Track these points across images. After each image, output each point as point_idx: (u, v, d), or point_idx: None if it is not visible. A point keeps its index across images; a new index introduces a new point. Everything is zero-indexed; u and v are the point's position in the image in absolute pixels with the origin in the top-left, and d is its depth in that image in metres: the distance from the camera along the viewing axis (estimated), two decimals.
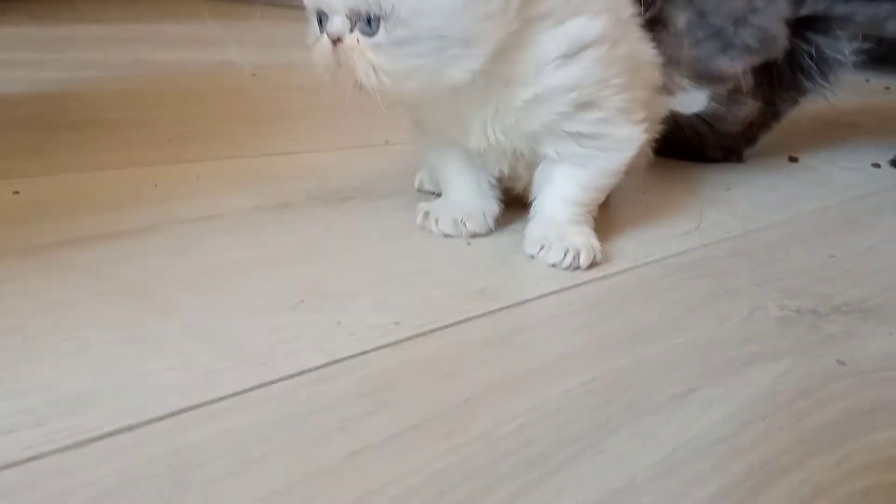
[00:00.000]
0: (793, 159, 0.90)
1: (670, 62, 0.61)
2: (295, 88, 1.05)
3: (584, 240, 0.50)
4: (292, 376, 0.34)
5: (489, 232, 0.54)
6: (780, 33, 0.72)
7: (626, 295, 0.47)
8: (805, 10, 0.75)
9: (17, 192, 0.53)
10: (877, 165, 0.92)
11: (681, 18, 0.64)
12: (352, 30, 0.44)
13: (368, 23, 0.43)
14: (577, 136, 0.49)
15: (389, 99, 0.46)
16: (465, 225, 0.53)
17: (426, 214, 0.54)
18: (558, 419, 0.32)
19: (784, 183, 0.79)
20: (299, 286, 0.43)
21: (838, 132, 1.07)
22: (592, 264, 0.49)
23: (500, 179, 0.55)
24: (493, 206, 0.54)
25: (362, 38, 0.43)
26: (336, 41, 0.44)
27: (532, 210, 0.53)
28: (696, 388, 0.36)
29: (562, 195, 0.51)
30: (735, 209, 0.68)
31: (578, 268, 0.49)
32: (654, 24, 0.62)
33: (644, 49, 0.55)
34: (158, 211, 0.53)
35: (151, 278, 0.42)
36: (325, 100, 0.46)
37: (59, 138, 0.68)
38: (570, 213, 0.51)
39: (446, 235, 0.53)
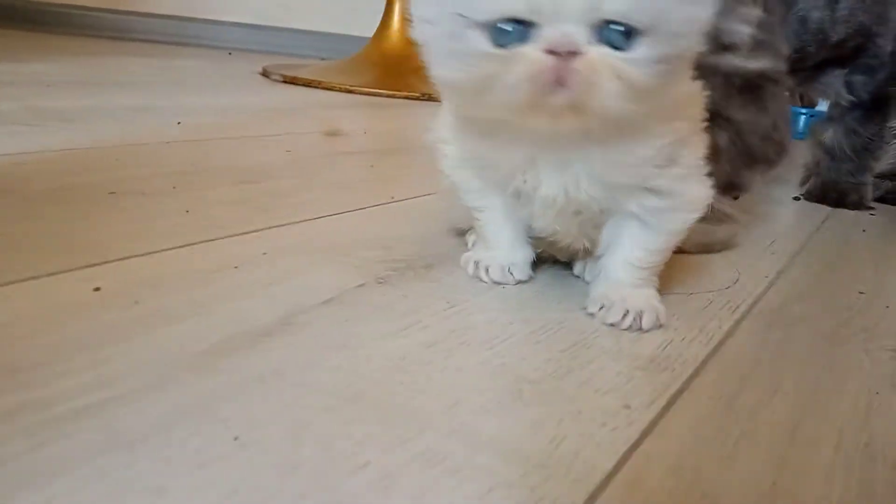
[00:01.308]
0: (735, 197, 1.00)
1: None
2: (232, 140, 0.99)
3: (646, 302, 0.51)
4: (606, 482, 0.33)
5: (530, 279, 0.56)
6: (790, 145, 0.81)
7: (766, 347, 0.50)
8: None
9: (97, 289, 0.46)
10: (797, 198, 1.04)
11: (721, 138, 0.69)
12: (595, 41, 0.39)
13: (626, 35, 0.39)
14: (657, 192, 0.49)
15: (604, 125, 0.42)
16: (511, 273, 0.55)
17: (476, 264, 0.56)
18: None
19: (750, 223, 0.87)
20: (495, 374, 0.41)
21: None
22: (658, 326, 0.50)
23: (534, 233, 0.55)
24: (530, 254, 0.57)
25: (612, 52, 0.39)
26: (568, 54, 0.38)
27: (596, 269, 0.54)
28: None
29: (628, 259, 0.52)
30: (741, 252, 0.73)
31: (640, 329, 0.49)
32: None
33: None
34: (269, 300, 0.47)
35: (352, 380, 0.38)
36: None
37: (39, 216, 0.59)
38: (635, 276, 0.52)
39: (496, 283, 0.55)
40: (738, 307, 0.57)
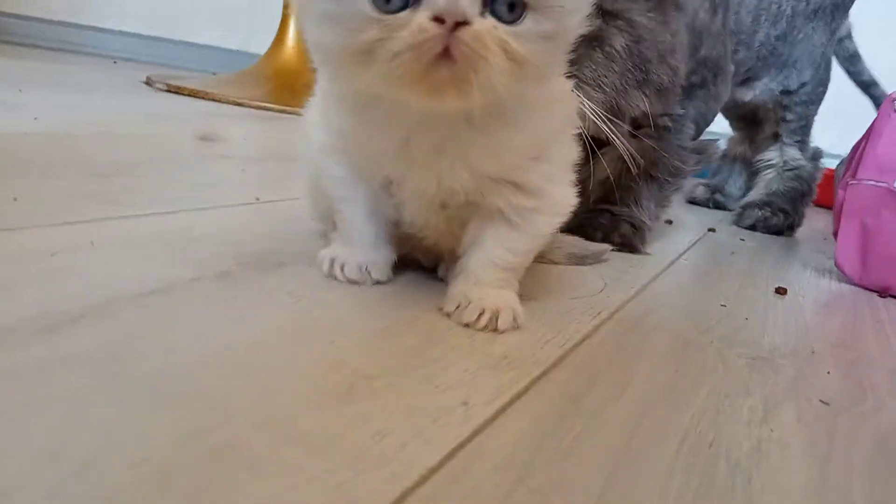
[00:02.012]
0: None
1: (587, 84, 0.64)
2: (94, 136, 0.93)
3: (504, 303, 0.49)
4: (426, 478, 0.29)
5: (389, 280, 0.53)
6: (683, 77, 0.75)
7: (622, 350, 0.49)
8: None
9: None
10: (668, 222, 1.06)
11: (618, 41, 0.66)
12: (483, 13, 0.37)
13: (511, 8, 0.37)
14: (525, 189, 0.48)
15: (485, 107, 0.42)
16: (369, 273, 0.52)
17: (332, 262, 0.52)
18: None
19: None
20: (329, 368, 0.38)
21: None
22: (515, 327, 0.48)
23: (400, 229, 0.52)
24: (392, 255, 0.54)
25: (499, 25, 0.37)
26: (457, 24, 0.36)
27: (456, 268, 0.52)
28: (767, 437, 0.39)
29: (490, 258, 0.50)
30: (610, 265, 0.73)
31: (496, 329, 0.47)
32: (589, 41, 0.63)
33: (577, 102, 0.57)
34: (84, 287, 0.42)
35: (159, 369, 0.34)
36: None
37: None
38: (496, 277, 0.50)
39: (351, 282, 0.51)
40: (599, 313, 0.56)
